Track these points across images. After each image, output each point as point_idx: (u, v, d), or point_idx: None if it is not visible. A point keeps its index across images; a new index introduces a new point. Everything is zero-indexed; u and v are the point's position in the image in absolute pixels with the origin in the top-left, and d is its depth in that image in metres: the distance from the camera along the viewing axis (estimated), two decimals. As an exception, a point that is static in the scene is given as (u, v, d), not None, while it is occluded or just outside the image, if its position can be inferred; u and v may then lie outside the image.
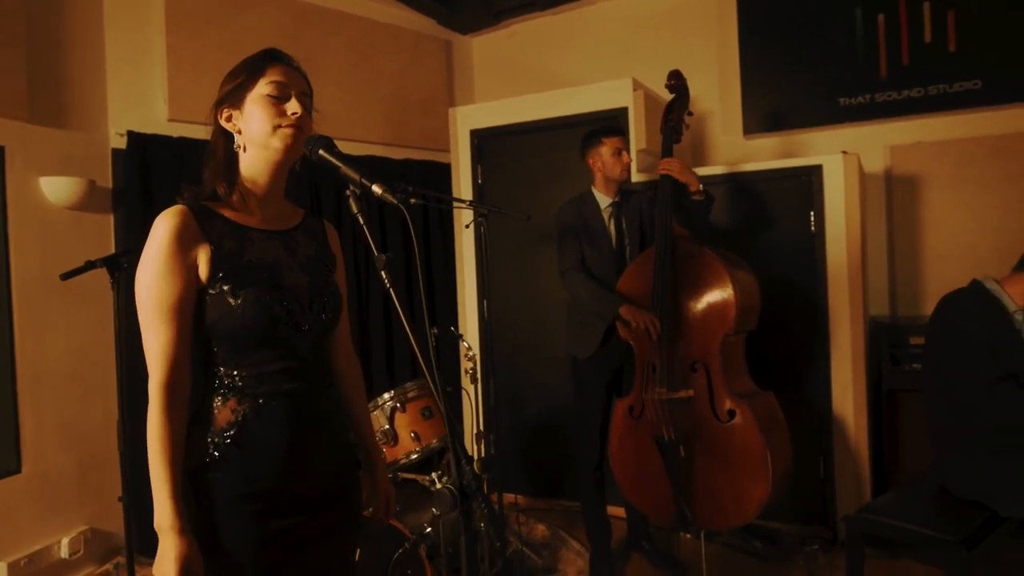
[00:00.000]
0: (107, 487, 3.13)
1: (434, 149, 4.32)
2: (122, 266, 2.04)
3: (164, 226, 1.17)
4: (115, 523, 3.16)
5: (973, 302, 2.23)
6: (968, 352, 2.16)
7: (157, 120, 3.30)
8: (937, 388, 2.28)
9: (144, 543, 2.93)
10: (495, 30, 4.69)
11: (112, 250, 3.16)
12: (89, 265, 2.04)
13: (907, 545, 2.07)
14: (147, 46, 3.30)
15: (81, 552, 2.97)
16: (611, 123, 2.93)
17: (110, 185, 3.19)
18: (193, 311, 1.19)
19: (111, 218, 3.20)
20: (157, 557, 1.11)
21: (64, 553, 2.91)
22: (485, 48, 4.80)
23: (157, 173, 3.21)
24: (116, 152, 3.18)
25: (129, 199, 3.15)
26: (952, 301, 2.31)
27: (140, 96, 3.29)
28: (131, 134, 3.16)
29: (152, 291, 1.16)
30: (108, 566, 3.02)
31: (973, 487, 2.15)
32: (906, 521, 2.04)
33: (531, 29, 4.60)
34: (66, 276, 2.01)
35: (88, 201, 3.03)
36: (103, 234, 3.16)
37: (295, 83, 1.27)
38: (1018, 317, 2.21)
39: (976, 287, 2.29)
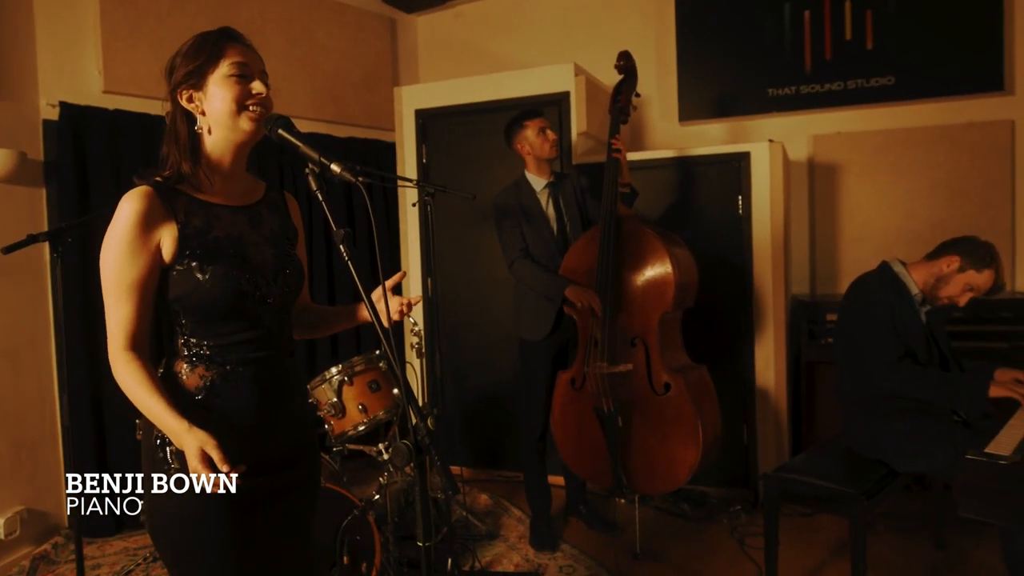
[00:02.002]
0: (43, 466, 3.08)
1: (378, 127, 4.33)
2: (66, 240, 2.01)
3: (129, 208, 1.20)
4: (52, 503, 3.12)
5: (879, 283, 2.45)
6: (874, 330, 2.37)
7: (91, 91, 3.20)
8: (845, 360, 2.50)
9: (85, 522, 2.91)
10: (440, 10, 4.71)
11: (45, 224, 3.07)
12: (32, 239, 2.00)
13: (820, 500, 2.29)
14: (80, 12, 3.18)
15: (17, 533, 2.91)
16: (529, 108, 3.02)
17: (41, 158, 3.09)
18: (155, 287, 1.24)
19: (43, 191, 3.11)
20: (176, 444, 1.18)
21: (0, 534, 2.86)
22: (430, 27, 4.81)
23: (92, 147, 3.13)
24: (48, 123, 3.08)
25: (62, 173, 3.06)
26: (862, 282, 2.53)
27: (72, 65, 3.18)
28: (63, 105, 3.06)
29: (115, 270, 1.20)
30: (47, 546, 2.98)
31: (874, 447, 2.38)
32: (816, 478, 2.25)
33: (476, 10, 4.64)
34: (8, 250, 1.98)
35: (18, 174, 2.93)
36: (35, 208, 3.07)
37: (255, 62, 1.30)
38: (918, 299, 2.44)
39: (883, 268, 2.51)
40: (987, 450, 1.64)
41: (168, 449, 1.24)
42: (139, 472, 1.30)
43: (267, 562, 1.34)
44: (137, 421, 2.34)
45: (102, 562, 2.92)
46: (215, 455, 1.12)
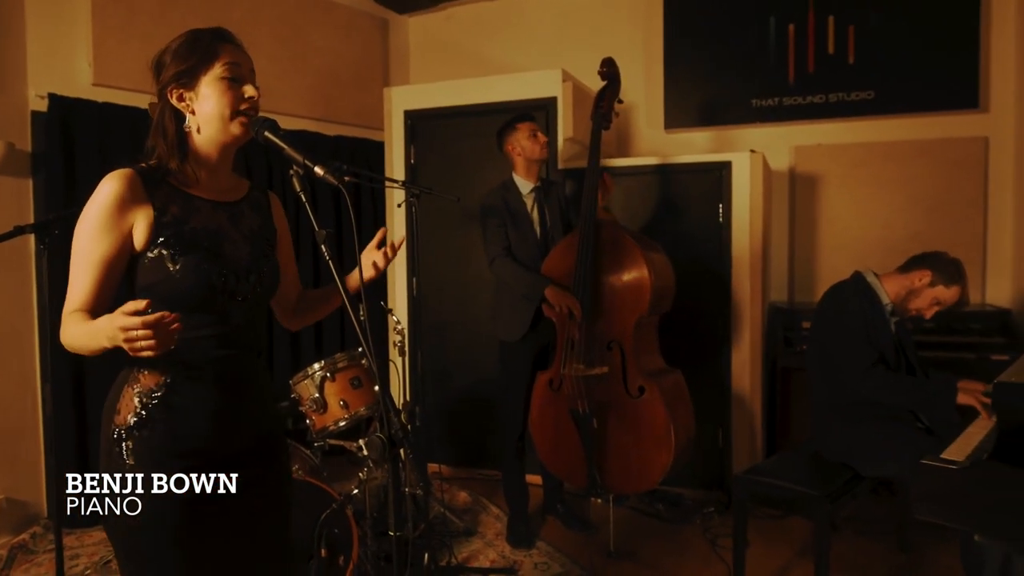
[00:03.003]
0: (23, 456, 3.09)
1: (367, 127, 4.37)
2: (53, 232, 2.03)
3: (108, 188, 1.22)
4: (31, 492, 3.13)
5: (853, 293, 2.53)
6: (848, 338, 2.44)
7: (80, 83, 3.22)
8: (819, 367, 2.57)
9: (64, 512, 2.92)
10: (432, 11, 4.75)
11: (31, 215, 3.09)
12: (19, 230, 2.02)
13: (790, 503, 2.35)
14: (71, 6, 3.20)
15: (-4, 521, 2.93)
16: (521, 112, 3.09)
17: (29, 149, 3.10)
18: (121, 270, 1.26)
19: (30, 183, 3.12)
20: (115, 340, 1.09)
21: (-22, 522, 2.87)
22: (421, 29, 4.85)
23: (80, 139, 3.14)
24: (36, 115, 3.09)
25: (50, 165, 3.08)
26: (836, 291, 2.60)
27: (62, 57, 3.19)
28: (52, 97, 3.07)
29: (84, 244, 1.23)
30: (25, 535, 2.99)
31: (842, 451, 2.46)
32: (783, 480, 2.32)
33: (468, 13, 4.68)
34: (-3, 241, 2.00)
35: (5, 164, 2.95)
36: (22, 199, 3.08)
37: (246, 63, 1.32)
38: (888, 309, 2.52)
39: (857, 279, 2.58)
40: (943, 456, 1.71)
41: (124, 444, 1.24)
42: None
43: (225, 561, 1.32)
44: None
45: (80, 552, 2.94)
46: (131, 307, 1.05)
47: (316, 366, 2.63)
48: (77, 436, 3.13)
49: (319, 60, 4.21)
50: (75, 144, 3.14)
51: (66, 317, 1.22)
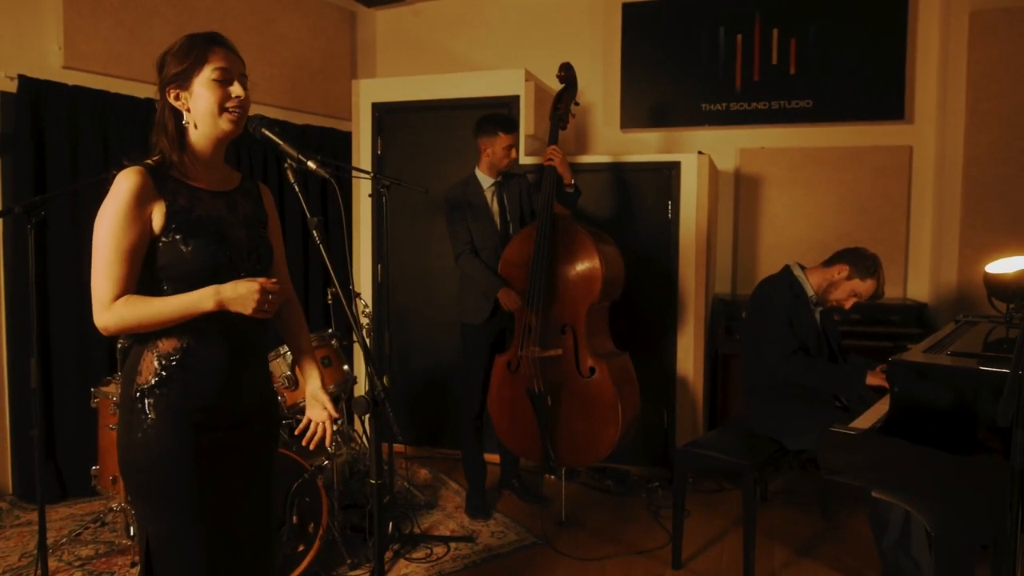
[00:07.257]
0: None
1: (334, 117, 4.47)
2: (39, 214, 2.11)
3: (125, 184, 1.38)
4: (-2, 467, 3.18)
5: (780, 284, 2.79)
6: (772, 326, 2.70)
7: (50, 66, 3.25)
8: (748, 351, 2.83)
9: (30, 489, 3.00)
10: (400, 6, 4.87)
11: None
12: (7, 211, 2.10)
13: (728, 476, 2.60)
14: (41, -12, 3.23)
15: (-37, 495, 2.98)
16: (509, 117, 3.25)
17: (-2, 129, 3.14)
18: (144, 256, 1.41)
19: (-1, 162, 3.16)
20: (239, 305, 1.39)
21: (-56, 496, 2.91)
22: (389, 22, 4.96)
23: (50, 122, 3.19)
24: (5, 95, 3.12)
25: (18, 146, 3.11)
26: (765, 284, 2.87)
27: (32, 38, 3.22)
28: (22, 78, 3.11)
29: (112, 236, 1.37)
30: (-9, 509, 3.05)
31: (769, 427, 2.72)
32: (718, 452, 2.57)
33: (435, 9, 4.81)
34: (-17, 219, 2.07)
35: (-26, 143, 2.98)
36: (-10, 179, 3.12)
37: (236, 66, 1.48)
38: (813, 300, 2.79)
39: (786, 272, 2.85)
40: (850, 425, 1.97)
41: (146, 401, 1.40)
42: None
43: (228, 509, 1.49)
44: (94, 389, 2.45)
45: (48, 526, 2.99)
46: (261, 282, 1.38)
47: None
48: (45, 412, 3.19)
49: (287, 50, 4.30)
50: (45, 126, 3.18)
51: (110, 304, 1.36)
